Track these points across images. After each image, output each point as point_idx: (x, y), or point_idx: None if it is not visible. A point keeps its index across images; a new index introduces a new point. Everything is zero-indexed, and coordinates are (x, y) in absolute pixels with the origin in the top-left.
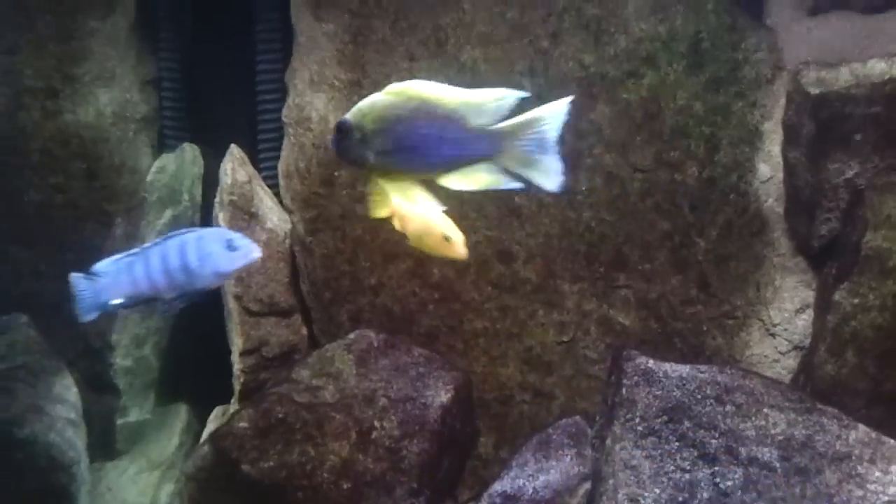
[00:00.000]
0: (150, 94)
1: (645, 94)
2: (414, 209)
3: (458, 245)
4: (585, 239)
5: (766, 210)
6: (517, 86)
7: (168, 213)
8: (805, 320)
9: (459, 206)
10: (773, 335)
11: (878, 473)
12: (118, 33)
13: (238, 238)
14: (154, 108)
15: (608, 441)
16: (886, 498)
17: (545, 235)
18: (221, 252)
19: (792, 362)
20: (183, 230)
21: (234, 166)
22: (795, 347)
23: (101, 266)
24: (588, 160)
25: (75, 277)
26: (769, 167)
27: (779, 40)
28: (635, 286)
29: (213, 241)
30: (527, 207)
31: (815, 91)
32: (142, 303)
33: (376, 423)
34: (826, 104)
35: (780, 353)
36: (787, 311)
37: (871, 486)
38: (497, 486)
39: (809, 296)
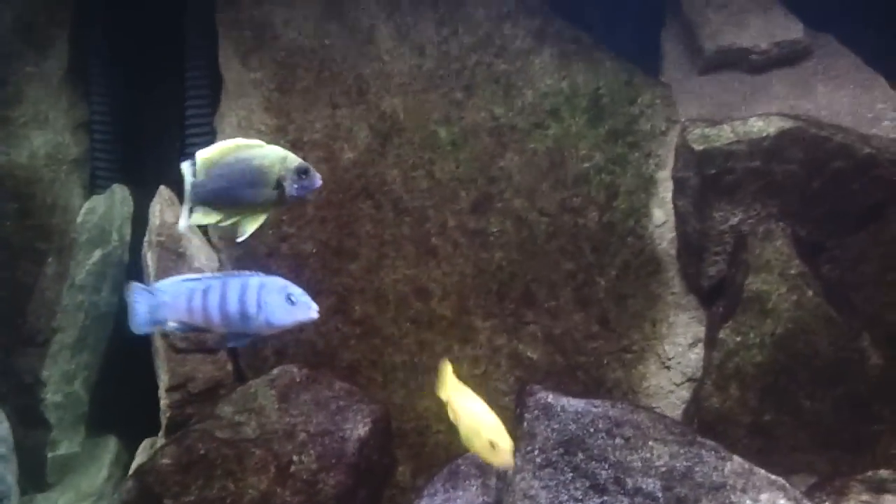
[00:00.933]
0: (82, 137)
1: (550, 144)
2: (469, 404)
3: (505, 453)
4: (497, 278)
5: (660, 252)
6: (432, 136)
7: (98, 253)
8: (697, 354)
9: (379, 246)
10: (667, 368)
11: (748, 501)
12: (52, 78)
13: (299, 294)
14: (86, 150)
15: (509, 472)
16: None
17: (460, 274)
18: (280, 304)
19: (685, 393)
20: (246, 273)
21: (163, 207)
22: (688, 379)
23: (162, 285)
24: (499, 204)
25: (136, 288)
26: (663, 212)
27: (673, 96)
28: (542, 322)
29: (273, 291)
30: (443, 248)
31: (699, 147)
32: (192, 330)
33: (295, 458)
34: (709, 159)
35: (675, 384)
36: (681, 345)
37: None
38: None
39: (701, 331)
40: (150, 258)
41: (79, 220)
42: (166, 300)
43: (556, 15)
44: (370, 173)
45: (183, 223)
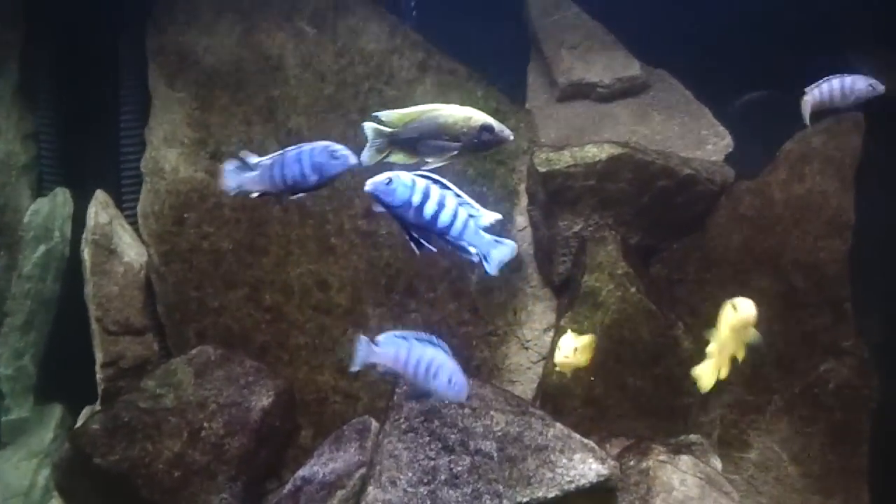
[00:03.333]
0: (31, 146)
1: None
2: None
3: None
4: (385, 273)
5: (521, 252)
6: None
7: (42, 248)
8: (550, 337)
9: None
10: (526, 349)
11: (564, 460)
12: (3, 95)
13: (341, 149)
14: (33, 157)
15: (380, 436)
16: (569, 478)
17: (354, 269)
18: (328, 161)
19: (540, 370)
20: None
21: (98, 210)
22: (543, 358)
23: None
24: None
25: (229, 163)
26: (524, 219)
27: (534, 120)
28: (423, 311)
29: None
30: (340, 247)
31: (543, 169)
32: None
33: (206, 425)
34: (552, 179)
35: (532, 362)
36: (537, 330)
37: (559, 470)
38: (300, 472)
39: (553, 318)
40: (86, 253)
41: (26, 219)
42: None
43: (436, 50)
44: None
45: (366, 159)
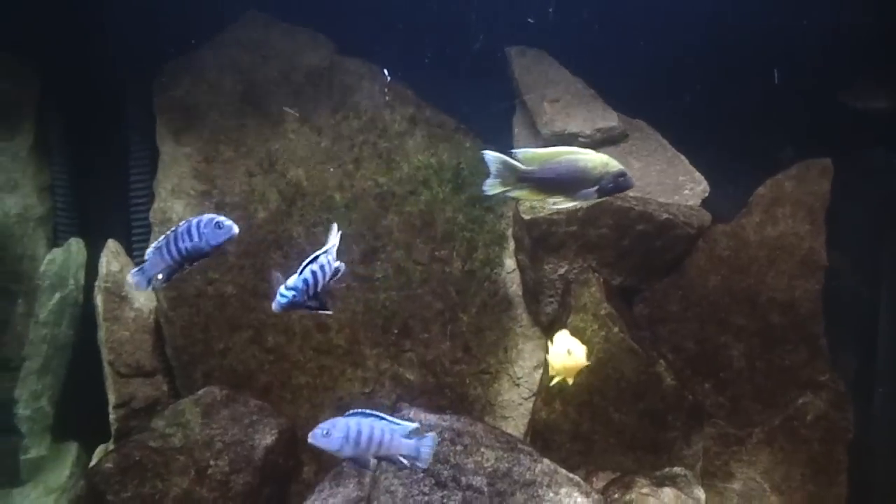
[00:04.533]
0: (46, 199)
1: (423, 207)
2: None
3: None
4: (381, 314)
5: (510, 294)
6: (329, 199)
7: (57, 295)
8: (540, 374)
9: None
10: (518, 385)
11: (551, 494)
12: (21, 151)
13: (224, 220)
14: (49, 209)
15: (377, 472)
16: None
17: (352, 311)
18: (213, 231)
19: (531, 405)
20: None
21: (109, 259)
22: (533, 394)
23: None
24: (383, 255)
25: (130, 276)
26: (512, 262)
27: None
28: (417, 350)
29: (207, 223)
30: (338, 290)
31: (527, 217)
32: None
33: (212, 463)
34: (536, 226)
35: (523, 398)
36: (527, 367)
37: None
38: None
39: (542, 356)
40: (99, 300)
41: (42, 268)
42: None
43: (426, 104)
44: (279, 229)
45: (489, 189)
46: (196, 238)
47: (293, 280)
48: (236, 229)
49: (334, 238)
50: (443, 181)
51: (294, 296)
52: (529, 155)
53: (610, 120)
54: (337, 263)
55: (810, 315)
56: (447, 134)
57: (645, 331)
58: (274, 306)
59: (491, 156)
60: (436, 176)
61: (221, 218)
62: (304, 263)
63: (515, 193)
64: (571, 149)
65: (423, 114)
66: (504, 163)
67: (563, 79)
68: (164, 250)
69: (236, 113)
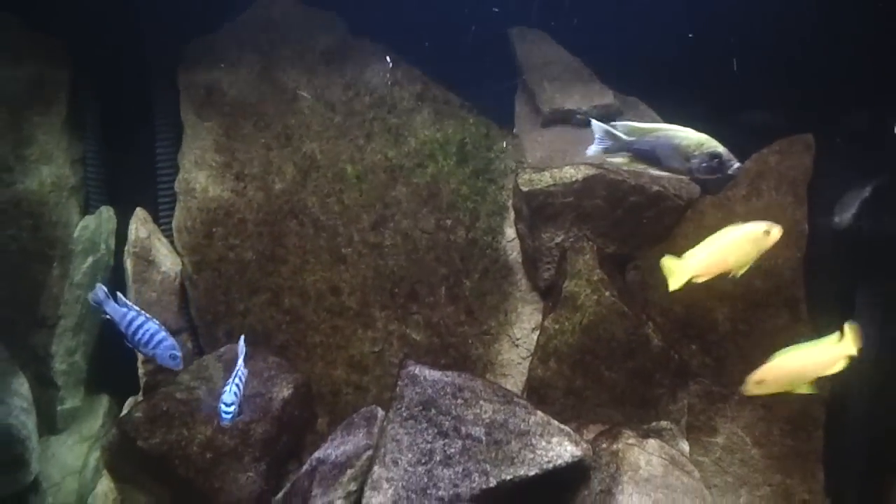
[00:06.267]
0: (78, 170)
1: (429, 179)
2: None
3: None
4: (390, 279)
5: (511, 261)
6: (342, 172)
7: (90, 259)
8: (537, 335)
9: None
10: (517, 346)
11: (543, 443)
12: (55, 125)
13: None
14: (81, 179)
15: (384, 423)
16: (547, 459)
17: (363, 276)
18: (165, 355)
19: (528, 364)
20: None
21: (138, 226)
22: (531, 354)
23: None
24: (391, 224)
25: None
26: (512, 231)
27: (521, 143)
28: (423, 313)
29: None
30: (350, 256)
31: (525, 189)
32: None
33: None
34: (534, 197)
35: (522, 358)
36: (526, 329)
37: (539, 452)
38: (315, 454)
39: (540, 319)
40: (128, 264)
41: (75, 234)
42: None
43: (433, 81)
44: (295, 199)
45: (592, 153)
46: (151, 347)
47: (228, 397)
48: (182, 365)
49: (242, 349)
50: (448, 155)
51: (235, 409)
52: (632, 127)
53: (606, 97)
54: (244, 369)
55: (792, 281)
56: (452, 111)
57: (636, 296)
58: (223, 423)
59: (597, 125)
60: (441, 150)
61: (178, 353)
62: (230, 380)
63: (614, 159)
64: (673, 127)
65: (429, 92)
66: (608, 132)
67: (561, 58)
68: (133, 331)
69: (255, 90)
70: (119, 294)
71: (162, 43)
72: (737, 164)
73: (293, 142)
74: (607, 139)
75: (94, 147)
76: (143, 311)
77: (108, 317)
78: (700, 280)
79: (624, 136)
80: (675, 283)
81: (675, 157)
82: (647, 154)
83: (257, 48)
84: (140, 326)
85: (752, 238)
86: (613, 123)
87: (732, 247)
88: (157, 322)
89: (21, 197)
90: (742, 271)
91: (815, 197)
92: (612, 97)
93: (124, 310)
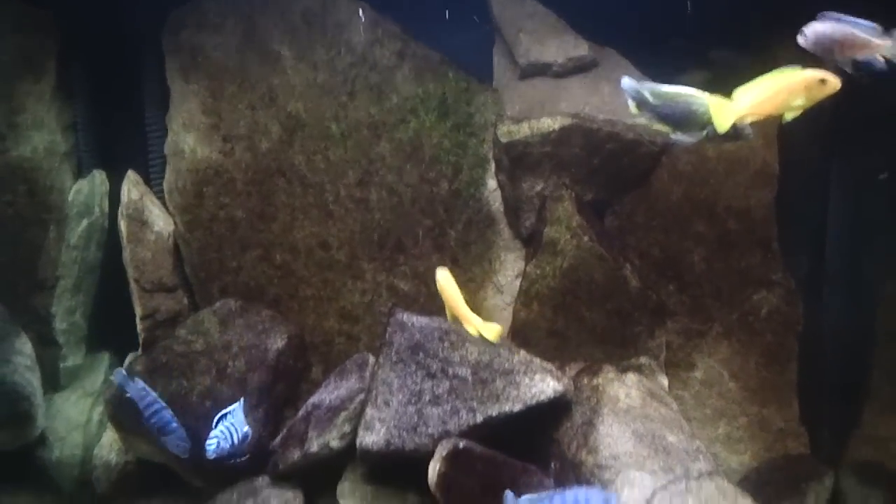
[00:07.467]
0: (70, 135)
1: (411, 134)
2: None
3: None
4: (377, 232)
5: (493, 211)
6: (326, 130)
7: (85, 222)
8: (519, 282)
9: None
10: (501, 292)
11: (527, 381)
12: (45, 92)
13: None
14: (72, 145)
15: (375, 368)
16: (530, 395)
17: (350, 231)
18: (175, 443)
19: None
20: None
21: (130, 188)
22: (515, 299)
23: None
24: (376, 179)
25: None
26: (494, 182)
27: (500, 97)
28: (410, 263)
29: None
30: (337, 212)
31: (504, 140)
32: None
33: (230, 363)
34: (513, 147)
35: (506, 303)
36: (510, 276)
37: (523, 389)
38: (310, 399)
39: (523, 266)
40: (122, 225)
41: (70, 198)
42: None
43: (412, 39)
44: (282, 158)
45: (633, 110)
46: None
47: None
48: (188, 455)
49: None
50: (429, 110)
51: (219, 442)
52: (658, 90)
53: (581, 49)
54: (246, 428)
55: (764, 221)
56: (432, 67)
57: (614, 240)
58: (209, 455)
59: (627, 84)
60: (423, 106)
61: (186, 445)
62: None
63: (644, 119)
64: (694, 92)
65: (409, 49)
66: (638, 92)
67: (537, 12)
68: (152, 413)
69: (239, 52)
70: (137, 378)
71: (148, 10)
72: (748, 132)
73: (278, 102)
74: (638, 98)
75: (85, 113)
76: (158, 398)
77: (129, 396)
78: (748, 121)
79: (651, 99)
80: (723, 124)
81: (692, 123)
82: (668, 118)
83: (239, 10)
84: (155, 412)
85: (807, 84)
86: (643, 84)
87: (785, 90)
88: (171, 412)
89: (15, 164)
90: (791, 116)
91: (785, 138)
92: (587, 49)
93: (143, 392)
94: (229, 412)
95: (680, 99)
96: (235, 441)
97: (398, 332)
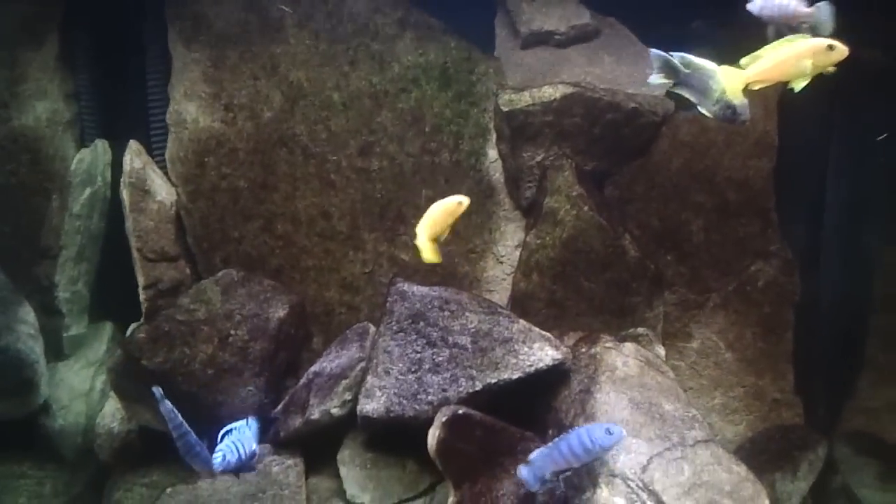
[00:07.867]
0: (72, 105)
1: (413, 104)
2: None
3: None
4: (378, 203)
5: (494, 181)
6: (328, 99)
7: (88, 191)
8: (520, 252)
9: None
10: (501, 263)
11: (526, 349)
12: (48, 61)
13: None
14: (75, 114)
15: (376, 336)
16: (529, 363)
17: (352, 201)
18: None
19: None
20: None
21: (132, 157)
22: (515, 269)
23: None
24: (378, 149)
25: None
26: (495, 152)
27: (502, 66)
28: (410, 234)
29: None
30: (339, 182)
31: (505, 109)
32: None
33: (232, 332)
34: (514, 117)
35: (507, 274)
36: (510, 246)
37: (522, 357)
38: (312, 368)
39: (523, 236)
40: (125, 194)
41: (72, 167)
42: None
43: (414, 7)
44: (284, 128)
45: (655, 80)
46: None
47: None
48: (219, 469)
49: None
50: (431, 79)
51: (224, 455)
52: (686, 61)
53: (583, 17)
54: (254, 446)
55: (762, 191)
56: (434, 36)
57: (614, 210)
58: (215, 468)
59: (656, 54)
60: (424, 75)
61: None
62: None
63: (671, 87)
64: (715, 67)
65: (411, 17)
66: (667, 62)
67: None
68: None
69: (240, 21)
70: (167, 401)
71: None
72: (745, 117)
73: (279, 71)
74: (666, 69)
75: (87, 82)
76: (185, 423)
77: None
78: (757, 87)
79: (681, 70)
80: (733, 89)
81: (707, 97)
82: (690, 91)
83: None
84: (182, 435)
85: (815, 51)
86: (672, 54)
87: (793, 57)
88: (195, 436)
89: (18, 133)
90: (801, 84)
91: (785, 109)
92: (589, 17)
93: (172, 415)
94: (235, 428)
95: (702, 72)
96: (243, 457)
97: (399, 301)
